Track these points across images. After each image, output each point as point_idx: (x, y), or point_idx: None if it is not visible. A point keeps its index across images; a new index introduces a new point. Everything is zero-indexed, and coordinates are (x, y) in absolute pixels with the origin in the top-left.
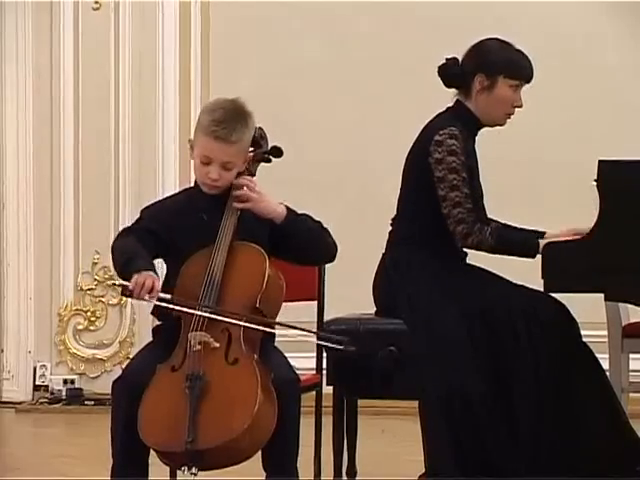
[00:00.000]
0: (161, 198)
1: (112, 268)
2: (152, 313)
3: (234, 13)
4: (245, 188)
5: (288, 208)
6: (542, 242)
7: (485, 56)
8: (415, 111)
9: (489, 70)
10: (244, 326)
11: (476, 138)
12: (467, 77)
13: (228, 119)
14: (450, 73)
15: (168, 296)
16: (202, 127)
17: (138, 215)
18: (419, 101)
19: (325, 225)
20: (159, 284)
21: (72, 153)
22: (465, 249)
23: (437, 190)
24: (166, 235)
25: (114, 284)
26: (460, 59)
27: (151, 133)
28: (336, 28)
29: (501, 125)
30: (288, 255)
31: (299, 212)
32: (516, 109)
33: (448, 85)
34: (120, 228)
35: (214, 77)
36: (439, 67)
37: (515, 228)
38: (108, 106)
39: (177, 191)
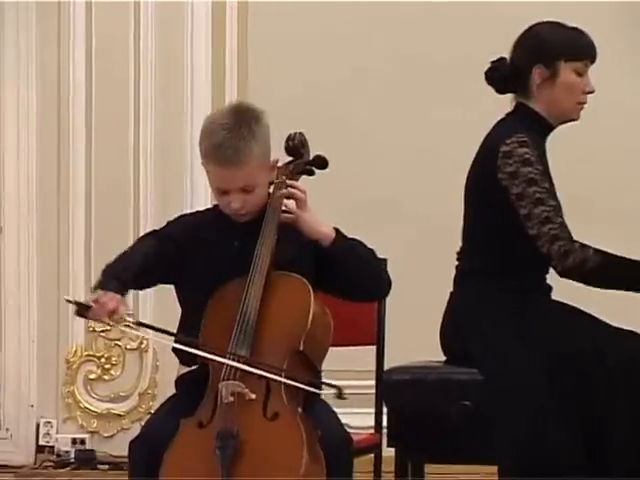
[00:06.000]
0: (189, 212)
1: (131, 304)
2: (174, 351)
3: (276, 9)
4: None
5: (337, 230)
6: None
7: (538, 44)
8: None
9: (546, 58)
10: (284, 382)
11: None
12: (522, 74)
13: (229, 138)
14: (501, 76)
15: (192, 340)
16: (204, 154)
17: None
18: (497, 109)
19: (380, 256)
20: (125, 308)
21: (83, 168)
22: (564, 275)
23: (518, 209)
24: (189, 253)
25: (67, 300)
26: (508, 57)
27: (178, 146)
28: (390, 27)
29: (575, 119)
30: (332, 287)
31: (350, 237)
32: (588, 96)
33: (502, 91)
34: None
35: (253, 81)
36: (486, 73)
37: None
38: (127, 114)
39: (207, 207)
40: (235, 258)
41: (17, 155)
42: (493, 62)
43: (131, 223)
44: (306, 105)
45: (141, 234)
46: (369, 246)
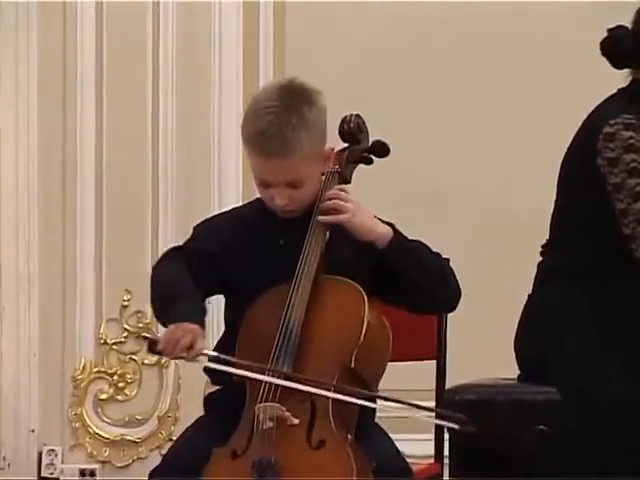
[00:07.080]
0: (221, 211)
1: (149, 313)
2: (205, 371)
3: (316, 7)
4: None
5: (395, 230)
6: None
7: None
8: (579, 94)
9: None
10: (332, 397)
11: None
12: None
13: (275, 124)
14: (621, 49)
15: (227, 357)
16: (245, 140)
17: (190, 234)
18: (585, 81)
19: (445, 256)
20: (202, 341)
21: (93, 151)
22: None
23: (614, 202)
24: (228, 263)
25: (140, 336)
26: (631, 27)
27: (203, 133)
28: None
29: None
30: (391, 296)
31: (411, 238)
32: None
33: (620, 65)
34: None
35: (290, 56)
36: (602, 43)
37: None
38: (144, 101)
39: (243, 203)
40: (280, 258)
41: (15, 138)
42: (611, 30)
43: (149, 226)
44: (349, 100)
45: (160, 239)
46: (434, 249)
